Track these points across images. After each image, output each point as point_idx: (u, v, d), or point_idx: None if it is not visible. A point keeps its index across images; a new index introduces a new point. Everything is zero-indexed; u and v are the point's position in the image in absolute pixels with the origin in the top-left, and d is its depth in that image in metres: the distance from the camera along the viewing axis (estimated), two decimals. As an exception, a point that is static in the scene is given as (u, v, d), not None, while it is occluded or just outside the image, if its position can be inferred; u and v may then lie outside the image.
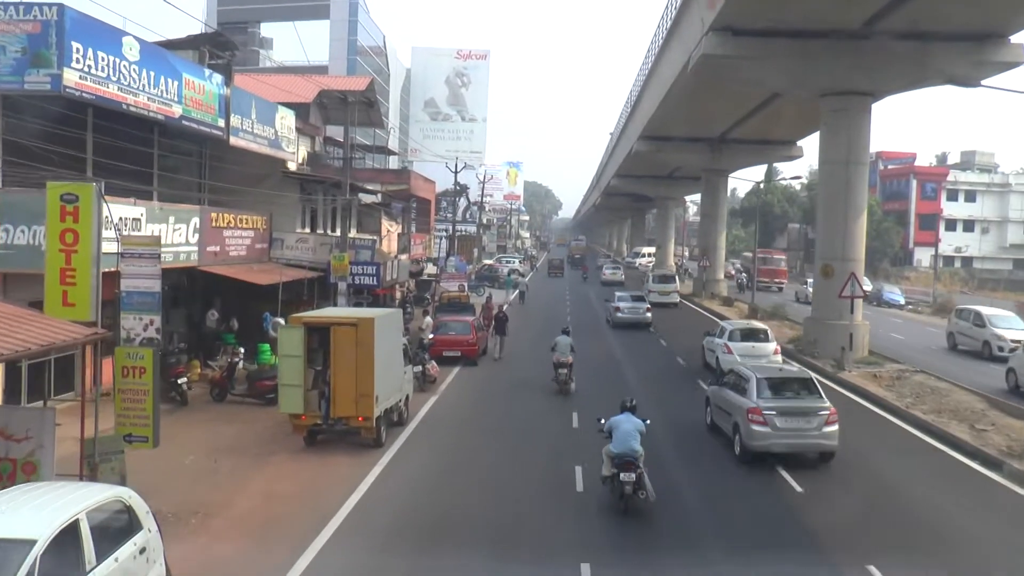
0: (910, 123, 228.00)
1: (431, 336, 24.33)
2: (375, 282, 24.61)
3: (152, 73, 17.63)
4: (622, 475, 11.96)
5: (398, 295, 39.03)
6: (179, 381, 18.62)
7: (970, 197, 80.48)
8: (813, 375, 16.80)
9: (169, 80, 18.39)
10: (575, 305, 45.29)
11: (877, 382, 22.02)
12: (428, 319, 26.21)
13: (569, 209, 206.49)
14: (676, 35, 32.72)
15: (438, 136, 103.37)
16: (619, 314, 34.55)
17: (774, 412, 14.22)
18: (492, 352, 26.08)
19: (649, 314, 34.73)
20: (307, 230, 27.38)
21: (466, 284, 44.92)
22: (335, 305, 24.06)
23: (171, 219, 19.07)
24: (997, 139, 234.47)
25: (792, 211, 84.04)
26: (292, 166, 25.97)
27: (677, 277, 51.22)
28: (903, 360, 25.59)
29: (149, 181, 20.50)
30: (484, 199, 78.04)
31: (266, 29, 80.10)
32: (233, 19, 73.26)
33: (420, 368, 20.73)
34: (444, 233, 55.88)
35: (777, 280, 58.41)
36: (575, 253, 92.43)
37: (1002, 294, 57.55)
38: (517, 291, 48.95)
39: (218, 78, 20.88)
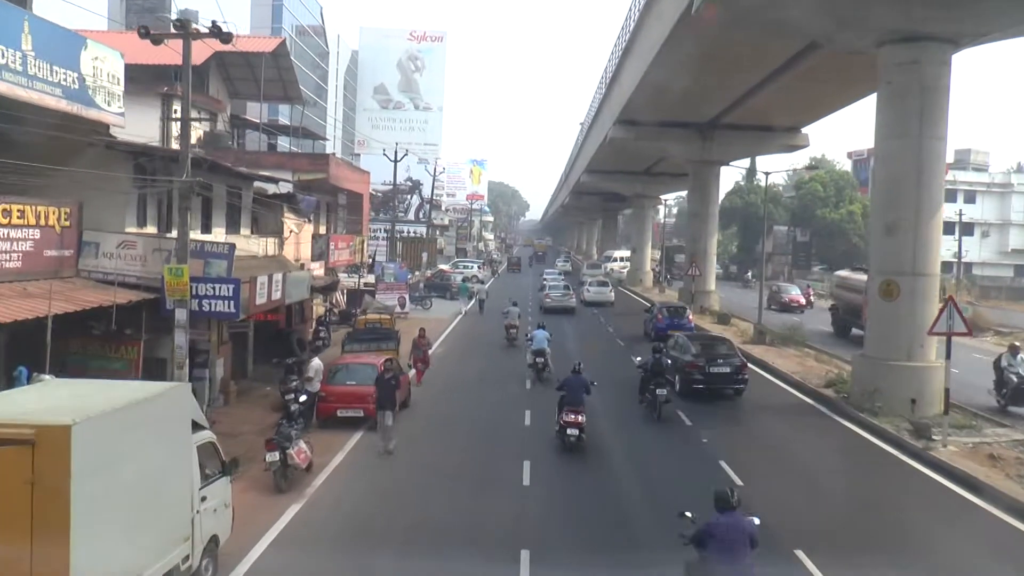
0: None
1: (309, 391, 16.11)
2: (232, 308, 16.09)
3: None
4: (536, 360, 22.41)
5: (319, 312, 30.84)
6: None
7: (969, 198, 74.14)
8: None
9: None
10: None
11: (1000, 467, 14.01)
12: (316, 362, 17.73)
13: (537, 211, 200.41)
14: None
15: (389, 126, 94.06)
16: (545, 281, 52.75)
17: (558, 294, 42.23)
18: (379, 439, 15.17)
19: (564, 280, 51.09)
20: (152, 229, 18.97)
21: (407, 296, 37.26)
22: (179, 345, 15.82)
23: None
24: (981, 138, 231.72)
25: (777, 212, 77.16)
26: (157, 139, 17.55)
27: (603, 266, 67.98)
28: (1001, 416, 18.10)
29: None
30: (444, 197, 70.24)
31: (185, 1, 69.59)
32: (138, -17, 62.65)
33: (277, 458, 12.57)
34: (386, 234, 47.83)
35: None
36: (539, 251, 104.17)
37: (1019, 306, 51.61)
38: (475, 300, 41.57)
39: (-64, -27, 12.54)
